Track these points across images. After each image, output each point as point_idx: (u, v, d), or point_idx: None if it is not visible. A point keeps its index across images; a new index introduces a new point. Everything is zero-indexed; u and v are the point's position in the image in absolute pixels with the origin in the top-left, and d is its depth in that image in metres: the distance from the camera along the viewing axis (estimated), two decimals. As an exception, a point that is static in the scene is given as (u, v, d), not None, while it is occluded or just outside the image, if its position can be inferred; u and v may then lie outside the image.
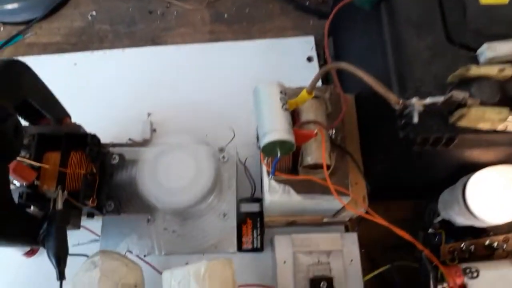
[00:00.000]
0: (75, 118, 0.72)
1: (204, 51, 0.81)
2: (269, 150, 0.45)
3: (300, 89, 0.48)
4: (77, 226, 0.57)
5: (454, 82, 0.43)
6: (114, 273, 0.50)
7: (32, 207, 0.51)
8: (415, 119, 0.40)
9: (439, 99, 0.39)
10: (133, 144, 0.70)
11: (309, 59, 0.80)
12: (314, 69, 0.79)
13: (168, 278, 0.50)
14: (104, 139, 0.70)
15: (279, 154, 0.45)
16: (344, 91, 0.60)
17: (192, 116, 0.74)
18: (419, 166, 0.54)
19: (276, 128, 0.44)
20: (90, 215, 0.59)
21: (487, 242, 0.64)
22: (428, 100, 0.40)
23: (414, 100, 0.39)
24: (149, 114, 0.74)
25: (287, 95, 0.52)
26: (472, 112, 0.40)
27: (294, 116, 0.55)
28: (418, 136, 0.43)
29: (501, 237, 0.63)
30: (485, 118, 0.40)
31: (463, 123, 0.41)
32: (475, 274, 0.55)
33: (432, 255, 0.55)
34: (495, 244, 0.64)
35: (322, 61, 0.80)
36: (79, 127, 0.57)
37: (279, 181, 0.53)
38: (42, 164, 0.52)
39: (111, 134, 0.72)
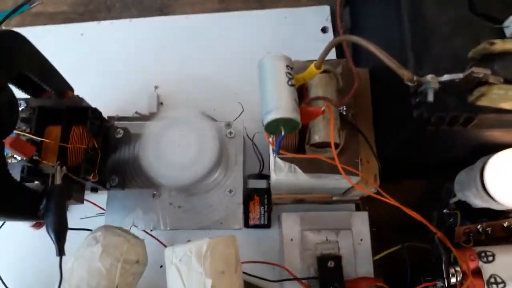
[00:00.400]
0: (80, 90, 0.71)
1: (214, 21, 0.78)
2: (272, 128, 0.43)
3: (309, 63, 0.45)
4: (80, 200, 0.56)
5: (476, 58, 0.39)
6: (115, 249, 0.50)
7: (35, 182, 0.51)
8: (430, 98, 0.37)
9: (458, 76, 0.36)
10: (139, 117, 0.69)
11: (324, 30, 0.76)
12: (328, 40, 0.75)
13: (170, 256, 0.49)
14: (110, 111, 0.70)
15: (283, 133, 0.43)
16: (359, 65, 0.57)
17: (200, 89, 0.72)
18: (435, 145, 0.51)
19: (280, 105, 0.41)
20: (94, 190, 0.58)
21: (505, 224, 0.61)
22: (445, 77, 0.36)
23: (430, 77, 0.36)
24: (156, 87, 0.72)
25: (295, 69, 0.50)
26: (494, 90, 0.36)
27: (303, 91, 0.52)
28: (433, 115, 0.40)
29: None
30: (508, 97, 0.36)
31: (483, 102, 0.38)
32: (490, 258, 0.52)
33: (445, 237, 0.53)
34: (515, 225, 0.61)
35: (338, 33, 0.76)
36: (81, 100, 0.55)
37: (285, 159, 0.51)
38: (43, 139, 0.50)
39: (118, 106, 0.71)
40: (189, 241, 0.51)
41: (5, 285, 0.60)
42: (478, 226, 0.61)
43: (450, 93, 0.39)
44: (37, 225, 0.63)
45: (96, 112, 0.53)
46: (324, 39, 0.76)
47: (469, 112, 0.40)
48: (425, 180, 0.71)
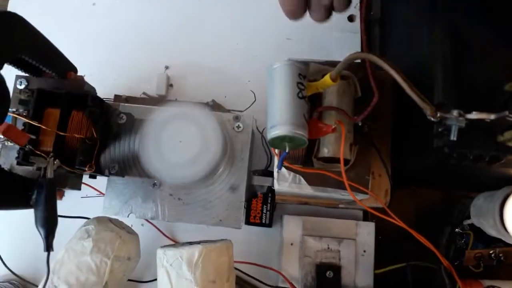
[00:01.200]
0: (88, 65, 0.68)
1: (232, 3, 0.72)
2: (276, 144, 0.40)
3: (327, 68, 0.41)
4: (78, 187, 0.55)
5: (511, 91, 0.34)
6: (106, 245, 0.49)
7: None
8: (453, 136, 0.32)
9: (489, 116, 0.31)
10: (147, 99, 0.66)
11: (350, 18, 0.70)
12: (355, 30, 0.69)
13: (161, 258, 0.48)
14: (118, 89, 0.67)
15: (287, 149, 0.40)
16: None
17: (212, 74, 0.68)
18: (456, 174, 0.46)
19: (286, 121, 0.38)
20: (92, 176, 0.56)
21: (521, 251, 0.58)
22: (474, 115, 0.32)
23: (456, 113, 0.32)
24: (166, 67, 0.68)
25: (311, 71, 0.46)
26: (528, 137, 0.32)
27: (317, 95, 0.48)
28: (455, 151, 0.35)
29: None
30: (543, 144, 0.32)
31: (515, 144, 0.33)
32: (498, 294, 0.49)
33: (452, 267, 0.50)
34: (531, 253, 0.57)
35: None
36: (83, 83, 0.53)
37: (290, 169, 0.48)
38: (39, 125, 0.48)
39: (126, 85, 0.68)
40: (183, 244, 0.50)
41: (4, 264, 0.60)
42: (491, 251, 0.57)
43: (477, 128, 0.34)
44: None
45: (96, 99, 0.51)
46: (351, 28, 0.70)
47: (497, 151, 0.35)
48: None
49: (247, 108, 0.66)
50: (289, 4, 0.45)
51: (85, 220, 0.54)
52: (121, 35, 0.71)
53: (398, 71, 0.32)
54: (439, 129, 0.36)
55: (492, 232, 0.50)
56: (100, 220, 0.51)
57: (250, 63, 0.69)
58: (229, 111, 0.65)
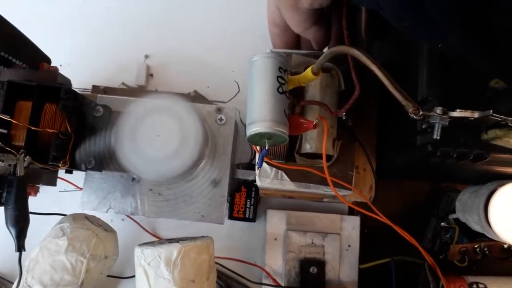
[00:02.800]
0: (65, 54, 0.65)
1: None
2: (256, 140, 0.38)
3: (310, 60, 0.39)
4: (53, 183, 0.53)
5: (498, 88, 0.33)
6: (82, 244, 0.47)
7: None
8: (436, 135, 0.31)
9: (472, 114, 0.30)
10: (126, 89, 0.63)
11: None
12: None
13: (139, 256, 0.46)
14: (96, 80, 0.65)
15: (267, 146, 0.38)
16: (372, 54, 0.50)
17: (194, 63, 0.65)
18: (440, 169, 0.45)
19: (265, 118, 0.36)
20: (69, 171, 0.54)
21: (505, 245, 0.57)
22: (457, 114, 0.30)
23: (439, 111, 0.30)
24: (146, 56, 0.66)
25: (293, 64, 0.44)
26: (512, 136, 0.30)
27: (301, 90, 0.46)
28: (438, 149, 0.34)
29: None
30: (529, 143, 0.31)
31: (498, 143, 0.32)
32: (481, 291, 0.49)
33: (435, 264, 0.49)
34: (515, 248, 0.57)
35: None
36: (56, 75, 0.50)
37: (272, 165, 0.46)
38: (10, 119, 0.46)
39: (105, 75, 0.66)
40: (162, 242, 0.48)
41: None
42: (476, 246, 0.57)
43: (459, 127, 0.33)
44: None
45: (70, 92, 0.48)
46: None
47: (481, 149, 0.34)
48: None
49: (230, 99, 0.64)
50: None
51: (61, 217, 0.52)
52: (99, 22, 0.68)
53: (379, 67, 0.30)
54: (423, 126, 0.35)
55: (477, 227, 0.49)
56: (76, 218, 0.49)
57: (235, 51, 0.67)
58: (211, 102, 0.63)
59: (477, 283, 0.49)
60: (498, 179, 0.45)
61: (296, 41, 0.50)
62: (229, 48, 0.66)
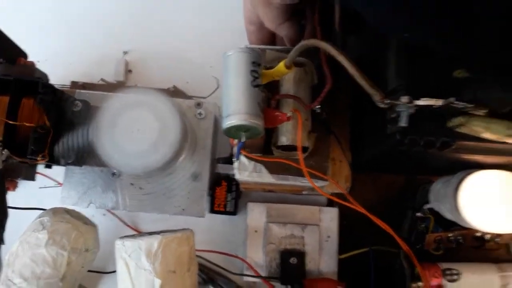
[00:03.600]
0: (44, 50, 0.65)
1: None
2: (232, 133, 0.39)
3: (284, 55, 0.40)
4: (31, 177, 0.53)
5: (462, 78, 0.34)
6: (62, 237, 0.47)
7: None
8: (403, 123, 0.32)
9: (437, 102, 0.31)
10: (105, 85, 0.64)
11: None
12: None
13: (120, 249, 0.47)
14: (75, 76, 0.65)
15: (243, 139, 0.39)
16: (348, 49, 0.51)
17: (174, 59, 0.66)
18: (411, 158, 0.47)
19: (240, 110, 0.37)
20: (48, 166, 0.55)
21: (478, 234, 0.59)
22: (422, 102, 0.32)
23: (404, 99, 0.32)
24: (125, 53, 0.66)
25: (268, 59, 0.45)
26: (474, 123, 0.32)
27: (276, 84, 0.47)
28: (406, 138, 0.35)
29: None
30: (490, 131, 0.32)
31: (463, 130, 0.34)
32: (455, 277, 0.50)
33: (411, 252, 0.50)
34: (487, 236, 0.59)
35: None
36: (33, 69, 0.50)
37: (250, 158, 0.47)
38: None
39: (83, 70, 0.66)
40: (142, 234, 0.49)
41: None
42: (450, 235, 0.58)
43: (427, 115, 0.34)
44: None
45: (47, 86, 0.48)
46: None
47: (447, 137, 0.35)
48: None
49: (210, 95, 0.65)
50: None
51: (41, 211, 0.52)
52: (78, 18, 0.68)
53: (347, 58, 0.31)
54: (392, 116, 0.36)
55: (449, 215, 0.51)
56: (55, 211, 0.50)
57: (214, 47, 0.67)
58: (191, 97, 0.64)
59: (450, 269, 0.50)
60: (469, 168, 0.47)
61: (271, 38, 0.51)
62: (208, 44, 0.67)
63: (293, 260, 0.57)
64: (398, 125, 0.34)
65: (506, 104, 0.32)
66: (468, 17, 0.24)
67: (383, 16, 0.28)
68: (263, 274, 0.58)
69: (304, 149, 0.45)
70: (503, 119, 0.32)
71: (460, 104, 0.31)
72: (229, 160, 0.63)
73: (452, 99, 0.30)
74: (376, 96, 0.32)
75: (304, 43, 0.35)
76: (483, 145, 0.37)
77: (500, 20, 0.22)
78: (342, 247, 0.60)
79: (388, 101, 0.32)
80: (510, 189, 0.43)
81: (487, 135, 0.33)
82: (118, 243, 0.47)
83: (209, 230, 0.63)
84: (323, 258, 0.59)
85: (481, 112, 0.31)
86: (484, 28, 0.24)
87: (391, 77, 0.36)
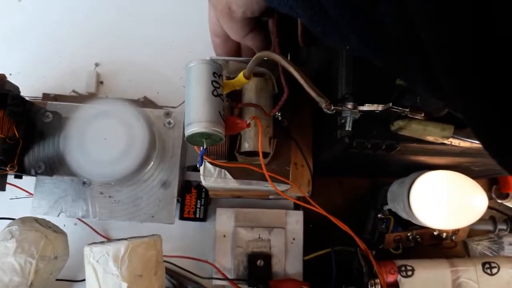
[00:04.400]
0: (16, 63, 0.67)
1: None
2: (194, 141, 0.41)
3: (246, 64, 0.43)
4: (1, 188, 0.54)
5: (402, 85, 0.37)
6: (31, 245, 0.48)
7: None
8: (348, 127, 0.35)
9: (377, 108, 0.34)
10: (77, 97, 0.65)
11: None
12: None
13: (88, 255, 0.48)
14: (47, 88, 0.66)
15: (205, 145, 0.41)
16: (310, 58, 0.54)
17: (144, 70, 0.68)
18: (364, 162, 0.50)
19: (201, 118, 0.39)
20: (18, 176, 0.56)
21: (435, 232, 0.63)
22: (366, 107, 0.35)
23: (349, 106, 0.35)
24: (96, 65, 0.68)
25: (230, 70, 0.47)
26: (413, 126, 0.35)
27: (238, 94, 0.50)
28: (354, 140, 0.38)
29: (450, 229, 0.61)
30: (427, 133, 0.35)
31: (404, 133, 0.37)
32: (410, 273, 0.53)
33: (368, 251, 0.53)
34: (444, 234, 0.63)
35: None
36: (4, 82, 0.51)
37: (215, 164, 0.49)
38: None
39: (55, 83, 0.67)
40: (111, 241, 0.50)
41: None
42: (409, 234, 0.62)
43: (372, 120, 0.38)
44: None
45: (17, 98, 0.50)
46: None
47: (392, 140, 0.38)
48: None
49: (180, 105, 0.67)
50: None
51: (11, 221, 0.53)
52: (49, 31, 0.69)
53: (295, 69, 0.34)
54: (342, 121, 0.39)
55: (403, 215, 0.54)
56: (24, 220, 0.51)
57: (185, 59, 0.69)
58: (161, 107, 0.66)
59: (405, 266, 0.53)
60: (421, 169, 0.51)
61: (237, 49, 0.53)
62: (177, 55, 0.69)
63: (259, 262, 0.60)
64: (345, 129, 0.37)
65: (441, 109, 0.35)
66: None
67: (324, 31, 0.31)
68: (231, 277, 0.60)
69: (266, 155, 0.48)
70: (438, 121, 0.35)
71: (399, 109, 0.34)
72: (197, 168, 0.65)
73: (389, 104, 0.33)
74: (322, 103, 0.35)
75: (259, 55, 0.38)
76: (426, 147, 0.40)
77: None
78: (309, 248, 0.63)
79: (334, 108, 0.34)
80: (455, 188, 0.47)
81: (425, 137, 0.36)
82: (87, 250, 0.49)
83: (180, 237, 0.65)
84: (289, 260, 0.61)
85: (418, 115, 0.35)
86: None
87: (341, 85, 0.39)
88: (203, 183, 0.50)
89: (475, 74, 0.20)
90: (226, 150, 0.49)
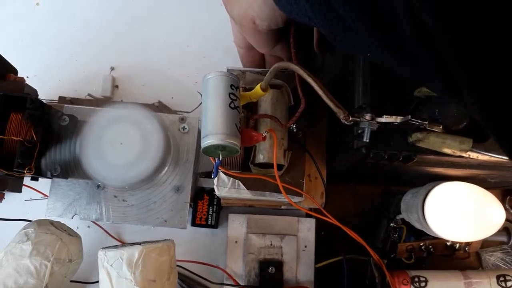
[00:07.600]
0: (33, 67, 0.67)
1: (180, 3, 0.73)
2: (210, 152, 0.41)
3: (263, 77, 0.43)
4: (18, 189, 0.54)
5: (421, 97, 0.37)
6: (46, 248, 0.49)
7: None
8: (366, 138, 0.35)
9: (395, 120, 0.34)
10: (92, 100, 0.66)
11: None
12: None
13: (102, 259, 0.49)
14: (63, 91, 0.67)
15: (221, 157, 0.41)
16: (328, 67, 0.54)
17: (159, 75, 0.69)
18: (380, 171, 0.50)
19: (218, 130, 0.39)
20: (34, 179, 0.56)
21: (449, 243, 0.62)
22: (384, 119, 0.35)
23: (367, 117, 0.35)
24: (112, 68, 0.68)
25: (247, 81, 0.48)
26: (431, 138, 0.35)
27: (254, 105, 0.50)
28: (371, 151, 0.38)
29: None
30: (445, 146, 0.35)
31: (422, 145, 0.37)
32: (423, 284, 0.53)
33: (381, 260, 0.53)
34: (457, 245, 0.62)
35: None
36: (23, 85, 0.52)
37: (229, 175, 0.50)
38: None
39: (71, 86, 0.68)
40: (124, 245, 0.51)
41: None
42: (421, 244, 0.61)
43: (389, 131, 0.38)
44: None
45: (36, 102, 0.50)
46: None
47: (408, 151, 0.38)
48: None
49: (194, 110, 0.67)
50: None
51: (26, 223, 0.54)
52: (66, 35, 0.70)
53: (314, 79, 0.34)
54: (359, 132, 0.39)
55: (417, 225, 0.54)
56: (40, 223, 0.51)
57: (199, 64, 0.70)
58: (175, 112, 0.66)
59: (418, 277, 0.53)
60: (436, 180, 0.50)
61: (261, 60, 0.53)
62: (192, 61, 0.70)
63: (271, 269, 0.60)
64: (363, 140, 0.37)
65: (460, 121, 0.35)
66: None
67: (343, 40, 0.30)
68: (242, 283, 0.60)
69: (280, 167, 0.48)
70: (457, 135, 0.35)
71: (417, 122, 0.34)
72: (211, 175, 0.65)
73: (408, 117, 0.33)
74: (340, 114, 0.35)
75: (276, 65, 0.38)
76: (443, 159, 0.40)
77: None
78: (319, 256, 0.63)
79: (352, 119, 0.34)
80: (470, 200, 0.46)
81: (443, 149, 0.36)
82: (101, 253, 0.49)
83: (192, 242, 0.65)
84: (300, 267, 0.61)
85: (437, 128, 0.35)
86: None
87: (358, 95, 0.39)
88: (217, 193, 0.50)
89: (495, 87, 0.20)
90: (241, 160, 0.49)
